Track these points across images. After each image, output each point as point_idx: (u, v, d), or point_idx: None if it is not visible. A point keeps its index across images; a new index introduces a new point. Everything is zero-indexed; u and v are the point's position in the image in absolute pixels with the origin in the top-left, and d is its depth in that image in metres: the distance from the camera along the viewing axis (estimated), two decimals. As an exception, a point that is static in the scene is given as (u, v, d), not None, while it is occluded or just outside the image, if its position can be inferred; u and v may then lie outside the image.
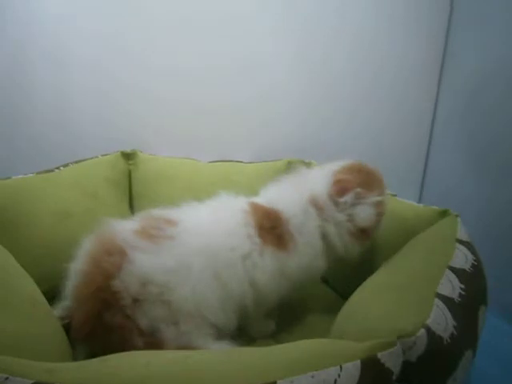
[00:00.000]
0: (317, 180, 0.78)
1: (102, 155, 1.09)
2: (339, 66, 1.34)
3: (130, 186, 1.14)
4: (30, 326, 0.54)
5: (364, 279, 0.73)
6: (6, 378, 0.37)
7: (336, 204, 0.74)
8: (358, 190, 0.73)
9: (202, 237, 0.68)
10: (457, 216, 0.76)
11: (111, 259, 0.62)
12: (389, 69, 1.38)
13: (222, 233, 0.70)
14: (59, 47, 1.19)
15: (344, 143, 1.38)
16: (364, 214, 0.73)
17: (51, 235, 0.83)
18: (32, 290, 0.63)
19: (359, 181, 0.75)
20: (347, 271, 0.88)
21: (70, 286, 0.66)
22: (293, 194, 0.77)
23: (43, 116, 1.22)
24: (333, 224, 0.74)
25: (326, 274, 0.96)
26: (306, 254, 0.73)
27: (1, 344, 0.47)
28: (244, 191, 0.83)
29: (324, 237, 0.75)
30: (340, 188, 0.74)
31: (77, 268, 0.65)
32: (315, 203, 0.75)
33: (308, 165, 1.17)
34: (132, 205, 1.13)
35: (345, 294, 0.89)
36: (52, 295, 0.80)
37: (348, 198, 0.73)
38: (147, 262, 0.62)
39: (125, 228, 0.67)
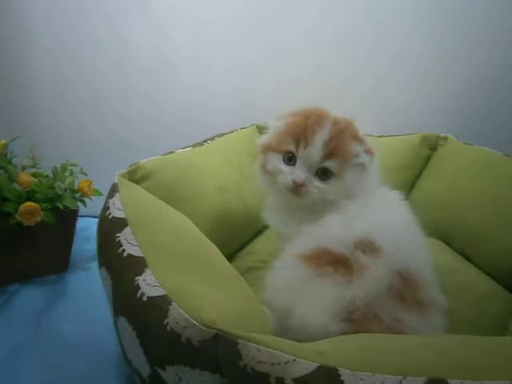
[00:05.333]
0: None
1: (241, 129, 1.11)
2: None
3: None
4: (244, 301, 0.57)
5: None
6: (294, 360, 0.39)
7: None
8: None
9: None
10: None
11: None
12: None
13: None
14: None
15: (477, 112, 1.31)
16: None
17: (213, 209, 0.87)
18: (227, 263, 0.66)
19: None
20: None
21: None
22: None
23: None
24: None
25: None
26: None
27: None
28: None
29: None
30: None
31: None
32: None
33: (444, 140, 1.14)
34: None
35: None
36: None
37: None
38: None
39: None
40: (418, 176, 1.15)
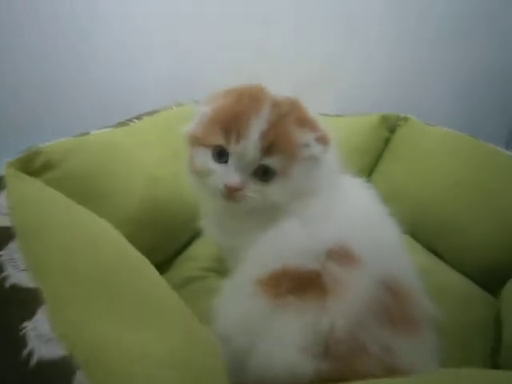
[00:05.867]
0: None
1: (176, 106, 0.92)
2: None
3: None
4: (188, 344, 0.41)
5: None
6: None
7: None
8: None
9: None
10: None
11: None
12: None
13: None
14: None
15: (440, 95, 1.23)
16: None
17: (142, 206, 0.69)
18: (163, 285, 0.49)
19: None
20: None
21: None
22: None
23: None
24: None
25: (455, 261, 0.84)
26: None
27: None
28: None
29: None
30: None
31: None
32: None
33: (404, 120, 1.04)
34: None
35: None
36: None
37: None
38: None
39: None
40: (378, 160, 1.04)
